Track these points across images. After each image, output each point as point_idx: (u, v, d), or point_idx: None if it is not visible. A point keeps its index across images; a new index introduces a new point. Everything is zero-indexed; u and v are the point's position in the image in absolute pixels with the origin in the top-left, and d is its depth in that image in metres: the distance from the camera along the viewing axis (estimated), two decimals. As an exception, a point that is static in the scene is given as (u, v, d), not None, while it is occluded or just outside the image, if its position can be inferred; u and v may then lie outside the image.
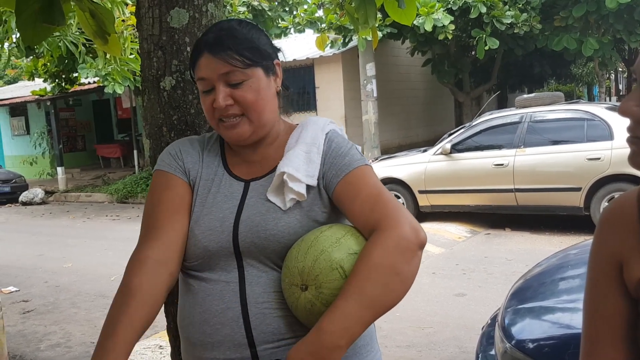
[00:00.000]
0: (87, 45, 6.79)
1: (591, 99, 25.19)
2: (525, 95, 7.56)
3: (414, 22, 9.89)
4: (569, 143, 6.65)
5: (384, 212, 1.11)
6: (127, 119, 15.85)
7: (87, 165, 17.24)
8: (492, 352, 2.37)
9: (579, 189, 6.52)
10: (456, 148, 7.43)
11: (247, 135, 1.21)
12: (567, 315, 2.31)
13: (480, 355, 2.44)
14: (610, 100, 24.18)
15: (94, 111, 18.32)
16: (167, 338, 4.21)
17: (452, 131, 8.06)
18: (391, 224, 1.09)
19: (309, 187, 1.18)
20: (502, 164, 7.00)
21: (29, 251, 7.90)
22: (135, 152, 14.45)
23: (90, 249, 7.93)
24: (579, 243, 3.18)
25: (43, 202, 13.71)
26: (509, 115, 7.30)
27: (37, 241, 8.66)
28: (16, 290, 5.96)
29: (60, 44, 6.31)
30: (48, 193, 14.12)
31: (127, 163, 16.15)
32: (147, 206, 1.25)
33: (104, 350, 1.05)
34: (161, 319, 4.81)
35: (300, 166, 1.18)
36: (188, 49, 1.61)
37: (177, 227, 1.19)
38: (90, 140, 18.12)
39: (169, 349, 3.99)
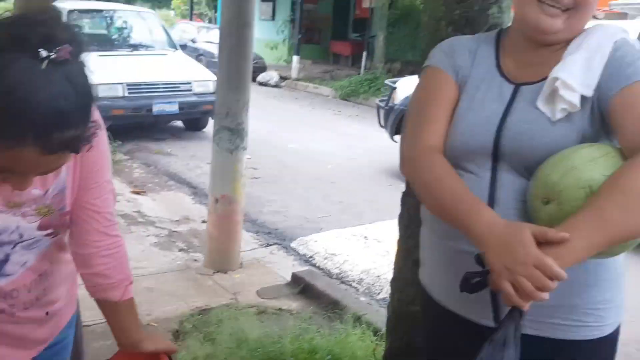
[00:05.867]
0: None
1: None
2: None
3: None
4: None
5: None
6: (364, 19, 16.12)
7: (318, 59, 18.11)
8: None
9: None
10: None
11: (556, 30, 1.14)
12: None
13: None
14: None
15: (334, 7, 18.92)
16: (370, 231, 4.46)
17: None
18: None
19: (583, 97, 1.09)
20: None
21: (261, 126, 8.70)
22: (364, 53, 14.77)
23: (312, 136, 8.50)
24: None
25: (276, 86, 14.88)
26: None
27: (269, 119, 9.50)
28: (249, 157, 6.69)
29: None
30: (282, 78, 15.25)
31: (355, 63, 16.61)
32: (418, 101, 1.27)
33: (475, 201, 1.10)
34: (368, 212, 5.01)
35: (577, 73, 1.09)
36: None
37: (446, 124, 1.22)
38: (326, 35, 18.88)
39: (372, 241, 4.26)
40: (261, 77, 15.01)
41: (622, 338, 3.59)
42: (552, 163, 1.06)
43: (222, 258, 3.49)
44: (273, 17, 19.15)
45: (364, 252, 4.10)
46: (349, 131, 9.02)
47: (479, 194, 1.15)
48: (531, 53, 1.20)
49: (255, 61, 15.76)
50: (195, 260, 3.71)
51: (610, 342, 1.22)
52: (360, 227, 4.62)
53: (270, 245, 4.21)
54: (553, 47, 1.17)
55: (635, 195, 0.97)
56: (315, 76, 15.51)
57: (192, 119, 7.97)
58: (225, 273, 3.45)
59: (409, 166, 1.24)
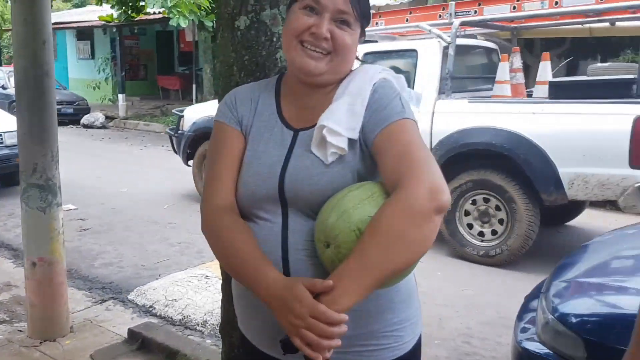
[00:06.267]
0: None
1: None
2: (598, 64, 7.19)
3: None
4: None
5: (406, 171, 1.06)
6: (189, 52, 16.00)
7: (147, 95, 17.60)
8: (532, 322, 2.37)
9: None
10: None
11: (320, 72, 1.20)
12: (614, 295, 2.28)
13: (519, 324, 2.44)
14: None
15: (157, 42, 18.54)
16: (212, 269, 4.38)
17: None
18: (407, 184, 1.04)
19: (352, 140, 1.17)
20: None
21: (88, 172, 8.23)
22: (194, 85, 14.65)
23: (146, 176, 8.20)
24: (638, 223, 3.09)
25: (103, 127, 14.17)
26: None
27: (96, 164, 9.01)
28: (74, 209, 6.26)
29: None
30: (108, 118, 14.56)
31: (185, 96, 16.40)
32: (209, 157, 1.29)
33: (260, 263, 1.12)
34: (208, 250, 4.94)
35: (341, 119, 1.16)
36: (265, -11, 1.60)
37: (235, 178, 1.24)
38: (152, 70, 18.43)
39: (214, 280, 4.18)
40: (85, 119, 14.22)
41: (448, 333, 3.86)
42: (329, 207, 1.11)
43: (48, 325, 3.20)
44: (92, 56, 18.29)
45: (207, 293, 4.00)
46: (185, 167, 8.84)
47: (273, 240, 1.18)
48: (306, 97, 1.25)
49: (76, 103, 15.03)
50: (21, 331, 3.36)
51: (412, 356, 1.30)
52: (201, 266, 4.52)
53: (105, 300, 3.94)
54: (325, 89, 1.25)
55: (391, 235, 1.02)
56: (145, 113, 15.04)
57: (6, 174, 7.27)
58: (53, 341, 3.17)
59: (204, 228, 1.24)
